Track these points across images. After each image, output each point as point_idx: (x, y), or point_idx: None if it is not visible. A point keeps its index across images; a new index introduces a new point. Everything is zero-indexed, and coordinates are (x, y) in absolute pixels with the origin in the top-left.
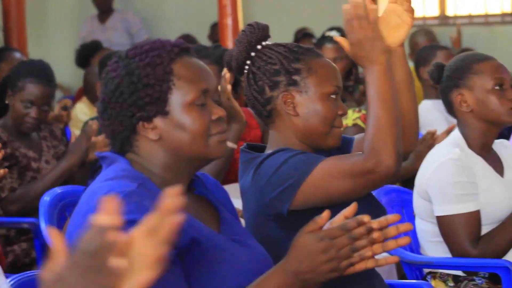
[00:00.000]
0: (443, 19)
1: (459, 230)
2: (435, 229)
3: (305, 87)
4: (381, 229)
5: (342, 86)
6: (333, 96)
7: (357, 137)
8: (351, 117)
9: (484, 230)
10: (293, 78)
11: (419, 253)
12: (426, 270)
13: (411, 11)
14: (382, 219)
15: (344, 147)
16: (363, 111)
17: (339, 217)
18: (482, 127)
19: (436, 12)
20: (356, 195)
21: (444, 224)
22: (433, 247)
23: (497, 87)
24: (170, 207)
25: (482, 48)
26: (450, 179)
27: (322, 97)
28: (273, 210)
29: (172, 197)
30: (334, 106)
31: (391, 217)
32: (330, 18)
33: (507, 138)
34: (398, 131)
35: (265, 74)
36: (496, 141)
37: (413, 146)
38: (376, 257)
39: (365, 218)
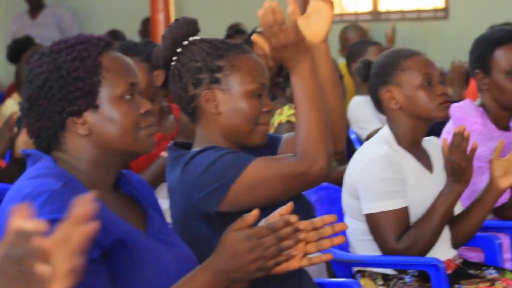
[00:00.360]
0: (376, 15)
1: (386, 227)
2: (364, 227)
3: (227, 85)
4: (315, 229)
5: (274, 82)
6: (258, 93)
7: (285, 136)
8: (286, 113)
9: None
10: (215, 76)
11: (348, 251)
12: (355, 269)
13: (330, 2)
14: (318, 219)
15: (271, 145)
16: None
17: (274, 215)
18: (411, 123)
19: (368, 8)
20: (286, 197)
21: (372, 221)
22: (363, 245)
23: (425, 83)
24: (81, 215)
25: (415, 44)
26: (378, 176)
27: (246, 94)
28: (201, 210)
29: (83, 205)
30: (258, 104)
31: (328, 217)
32: None
33: (438, 135)
34: (328, 132)
35: (188, 71)
36: (426, 138)
37: (342, 144)
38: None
39: (292, 218)
